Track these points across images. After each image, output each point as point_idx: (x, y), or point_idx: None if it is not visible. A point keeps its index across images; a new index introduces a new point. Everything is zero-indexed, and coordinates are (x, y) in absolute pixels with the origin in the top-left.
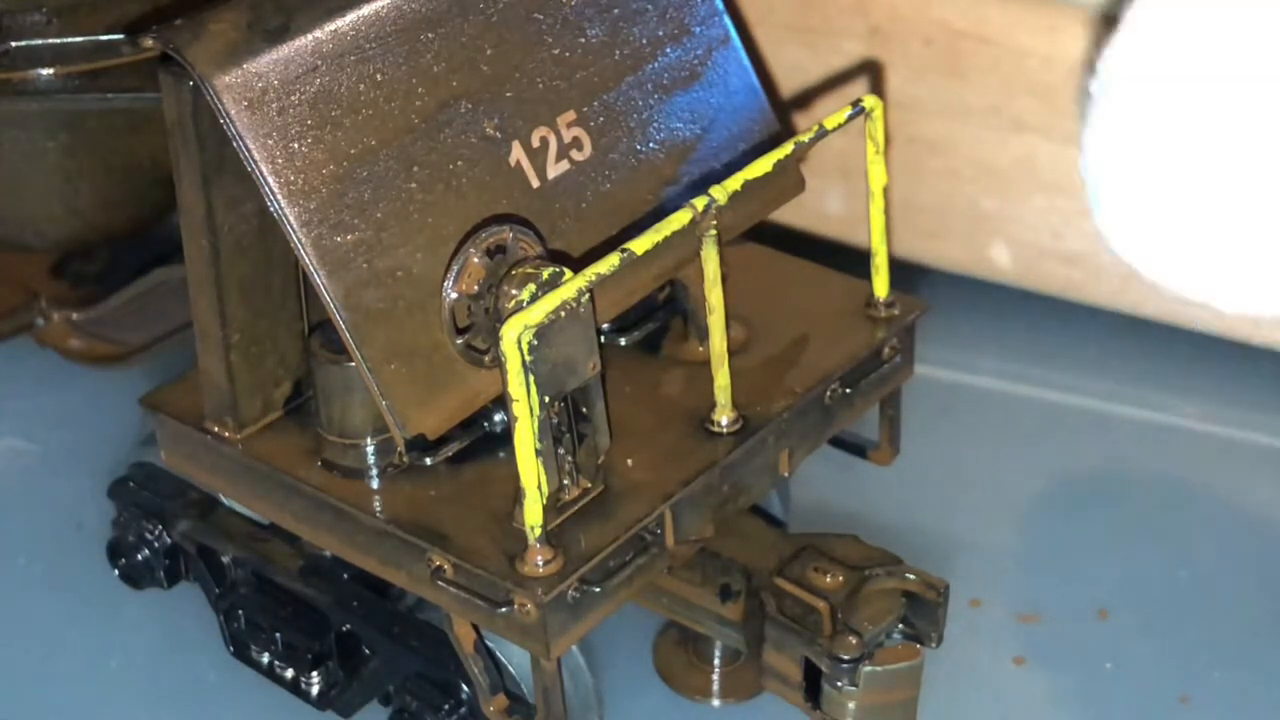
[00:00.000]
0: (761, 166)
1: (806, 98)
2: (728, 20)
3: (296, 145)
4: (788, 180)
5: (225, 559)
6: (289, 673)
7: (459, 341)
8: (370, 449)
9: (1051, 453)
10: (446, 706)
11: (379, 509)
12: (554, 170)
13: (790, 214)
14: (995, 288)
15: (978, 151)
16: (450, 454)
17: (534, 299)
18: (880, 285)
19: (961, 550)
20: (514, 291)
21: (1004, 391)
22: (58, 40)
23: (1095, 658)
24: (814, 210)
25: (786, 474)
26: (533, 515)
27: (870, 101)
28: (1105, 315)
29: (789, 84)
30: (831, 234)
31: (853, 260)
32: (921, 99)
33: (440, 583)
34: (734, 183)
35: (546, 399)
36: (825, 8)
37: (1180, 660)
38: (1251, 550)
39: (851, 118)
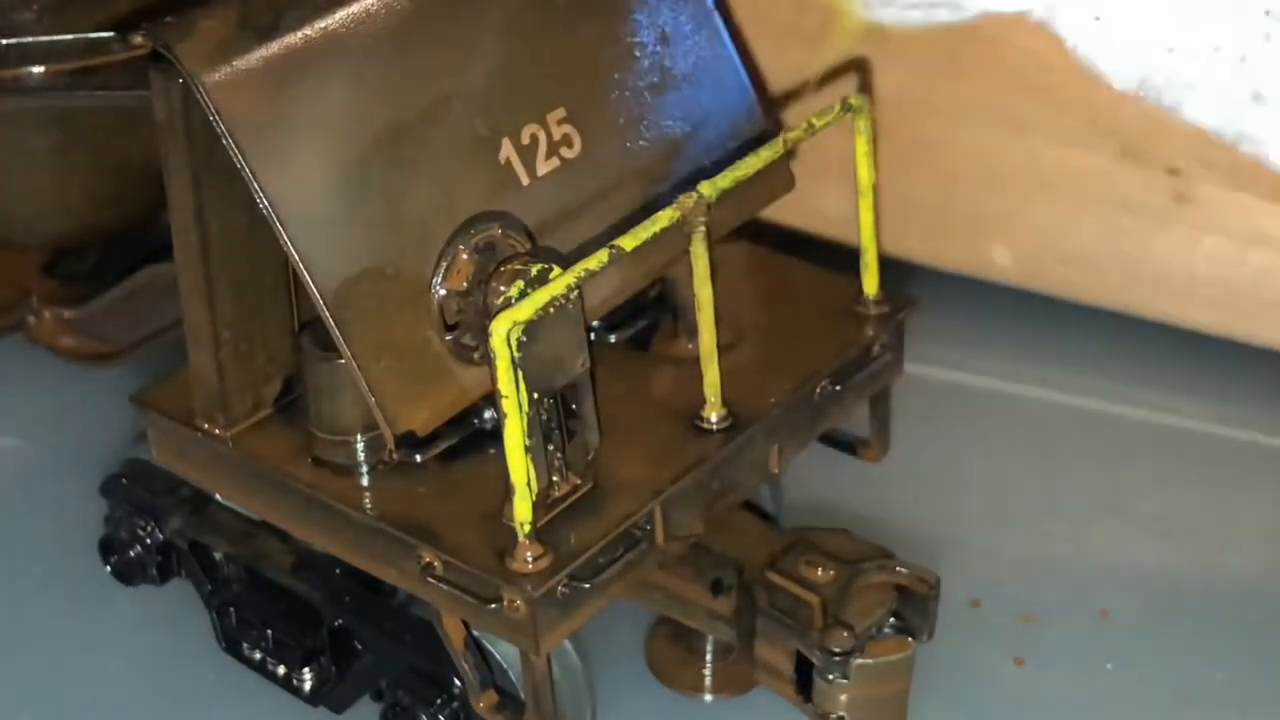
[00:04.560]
0: (751, 164)
1: (799, 97)
2: (718, 19)
3: (286, 142)
4: (777, 178)
5: (217, 555)
6: (281, 669)
7: (448, 338)
8: (360, 446)
9: (1051, 453)
10: (438, 701)
11: (369, 505)
12: (544, 168)
13: (790, 214)
14: (995, 288)
15: (978, 151)
16: (440, 451)
17: (523, 295)
18: (870, 283)
19: (961, 550)
20: (503, 288)
21: (1004, 391)
22: (48, 38)
23: (1095, 658)
24: (813, 210)
25: (776, 471)
26: (522, 512)
27: (857, 100)
28: (1105, 315)
29: (784, 84)
30: (831, 234)
31: (853, 260)
32: (921, 99)
33: (430, 579)
34: (723, 179)
35: (536, 395)
36: (823, 8)
37: (1180, 660)
38: (1252, 550)
39: (839, 115)
